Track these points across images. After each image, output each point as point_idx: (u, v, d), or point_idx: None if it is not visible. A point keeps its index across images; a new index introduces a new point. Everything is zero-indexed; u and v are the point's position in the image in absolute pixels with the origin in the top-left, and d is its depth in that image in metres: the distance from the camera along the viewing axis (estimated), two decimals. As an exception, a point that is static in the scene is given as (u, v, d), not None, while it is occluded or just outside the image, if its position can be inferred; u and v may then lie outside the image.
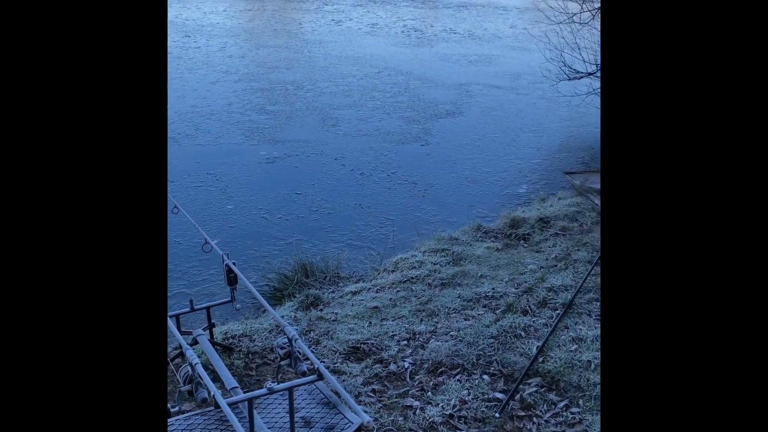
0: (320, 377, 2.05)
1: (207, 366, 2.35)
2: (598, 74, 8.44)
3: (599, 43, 8.61)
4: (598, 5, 8.40)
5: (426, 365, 2.71)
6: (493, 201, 5.67)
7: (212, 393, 1.91)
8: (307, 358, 2.14)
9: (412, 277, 3.67)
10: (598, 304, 3.02)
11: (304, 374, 2.14)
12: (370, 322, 3.12)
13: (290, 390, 2.03)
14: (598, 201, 4.32)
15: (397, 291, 3.51)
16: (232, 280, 2.61)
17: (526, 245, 4.04)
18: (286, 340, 2.24)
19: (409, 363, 2.75)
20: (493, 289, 3.35)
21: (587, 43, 8.49)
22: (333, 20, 17.83)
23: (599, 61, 8.46)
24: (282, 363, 2.27)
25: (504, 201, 5.65)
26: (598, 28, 8.64)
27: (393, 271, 3.87)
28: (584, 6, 8.47)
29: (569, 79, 8.45)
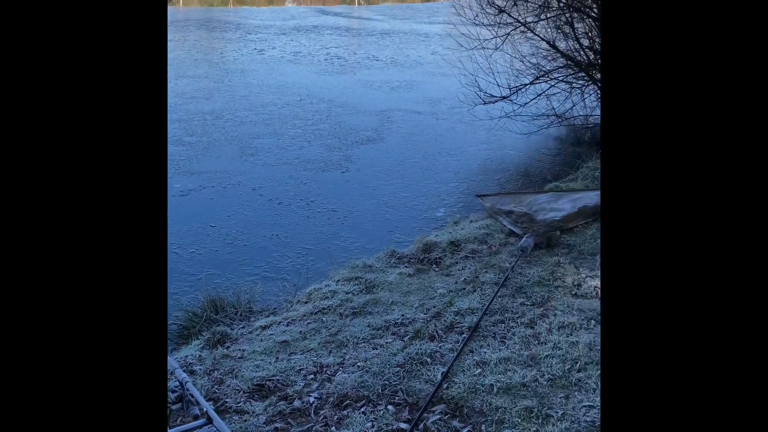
0: (209, 421, 1.98)
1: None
2: (512, 98, 8.71)
3: (510, 66, 8.90)
4: (509, 30, 8.69)
5: (331, 399, 2.66)
6: (410, 226, 5.70)
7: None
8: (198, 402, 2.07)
9: (323, 308, 3.62)
10: (503, 326, 3.06)
11: (196, 418, 2.07)
12: (278, 357, 3.05)
13: (180, 435, 1.95)
14: (506, 222, 4.41)
15: (308, 323, 3.45)
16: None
17: (437, 269, 4.07)
18: (177, 383, 2.16)
19: (315, 398, 2.69)
20: (403, 315, 3.35)
21: (500, 67, 8.76)
22: (255, 49, 17.76)
23: (512, 84, 8.74)
24: (173, 407, 2.18)
25: (422, 225, 5.69)
26: (510, 52, 8.94)
27: (306, 303, 3.81)
28: (496, 32, 8.74)
29: (484, 103, 8.68)
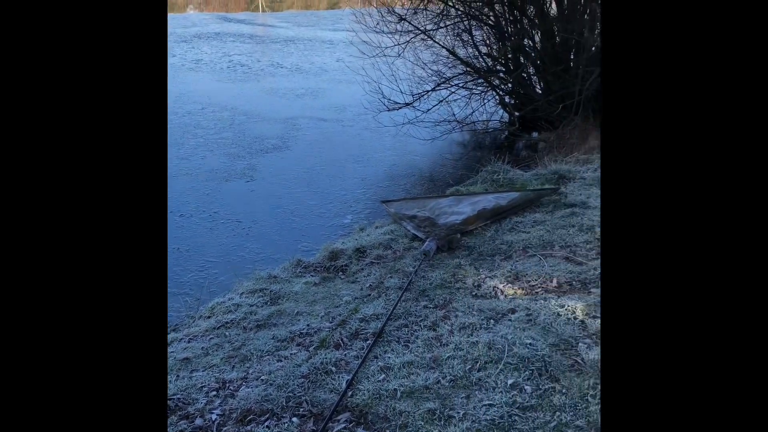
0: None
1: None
2: (415, 104, 8.87)
3: (412, 74, 9.06)
4: (410, 38, 8.84)
5: (234, 415, 2.60)
6: (317, 234, 5.68)
7: None
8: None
9: (227, 322, 3.53)
10: (407, 330, 3.10)
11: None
12: (178, 376, 2.95)
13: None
14: (410, 227, 4.47)
15: (211, 338, 3.36)
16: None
17: (343, 277, 4.07)
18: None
19: (217, 415, 2.62)
20: (308, 325, 3.32)
21: (403, 74, 8.90)
22: (154, 57, 17.14)
23: (414, 91, 8.90)
24: None
25: (329, 233, 5.69)
26: (412, 59, 9.10)
27: (208, 318, 3.70)
28: (397, 39, 8.87)
29: (389, 109, 8.79)
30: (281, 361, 3.00)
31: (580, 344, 2.72)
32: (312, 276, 4.16)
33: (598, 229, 4.14)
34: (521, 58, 9.17)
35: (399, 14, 8.88)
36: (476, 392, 2.46)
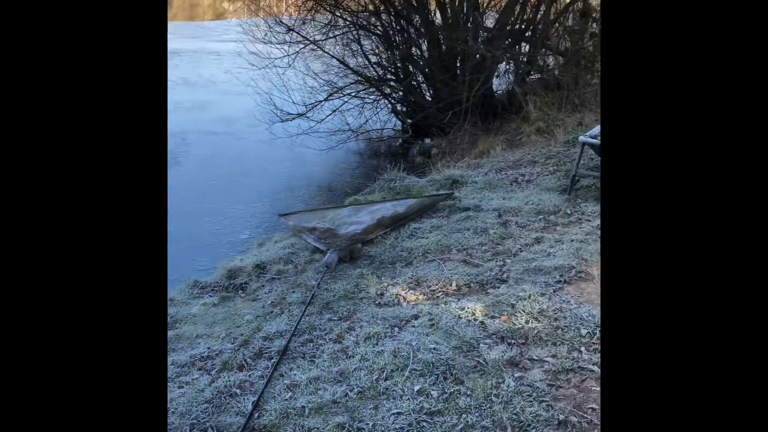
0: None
1: None
2: (309, 114, 8.84)
3: (304, 84, 9.02)
4: (299, 48, 8.81)
5: (134, 450, 2.46)
6: (214, 252, 5.52)
7: None
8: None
9: (121, 351, 3.35)
10: (312, 344, 3.07)
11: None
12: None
13: None
14: (310, 239, 4.44)
15: (104, 370, 3.17)
16: None
17: (243, 295, 3.97)
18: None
19: (115, 452, 2.47)
20: (209, 348, 3.21)
21: (294, 85, 8.85)
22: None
23: (307, 101, 8.87)
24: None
25: (226, 250, 5.54)
26: (303, 70, 9.07)
27: (100, 348, 3.50)
28: (287, 50, 8.82)
29: (282, 121, 8.71)
30: (182, 387, 2.88)
31: (481, 345, 2.80)
32: (210, 296, 4.04)
33: (492, 231, 4.29)
34: (410, 67, 9.37)
35: (287, 25, 8.83)
36: (384, 402, 2.47)
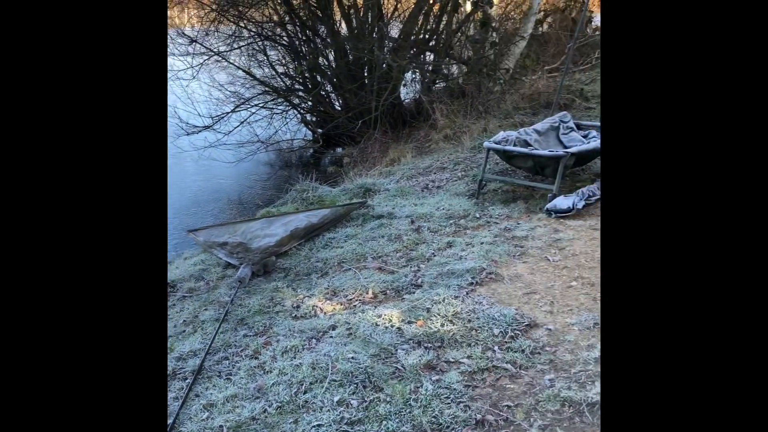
0: None
1: None
2: (215, 126, 8.66)
3: (210, 96, 8.83)
4: (203, 60, 8.63)
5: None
6: (121, 272, 5.29)
7: None
8: None
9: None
10: (228, 362, 3.00)
11: None
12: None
13: None
14: (222, 255, 4.34)
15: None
16: None
17: (153, 315, 3.83)
18: None
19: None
20: (118, 373, 3.07)
21: (199, 97, 8.65)
22: None
23: (213, 114, 8.69)
24: None
25: (133, 269, 5.32)
26: (208, 81, 8.88)
27: None
28: (190, 62, 8.61)
29: (187, 134, 8.48)
30: (90, 417, 2.74)
31: (398, 350, 2.83)
32: (118, 319, 3.86)
33: (405, 238, 4.35)
34: (318, 77, 9.37)
35: (190, 36, 8.62)
36: (304, 415, 2.45)
